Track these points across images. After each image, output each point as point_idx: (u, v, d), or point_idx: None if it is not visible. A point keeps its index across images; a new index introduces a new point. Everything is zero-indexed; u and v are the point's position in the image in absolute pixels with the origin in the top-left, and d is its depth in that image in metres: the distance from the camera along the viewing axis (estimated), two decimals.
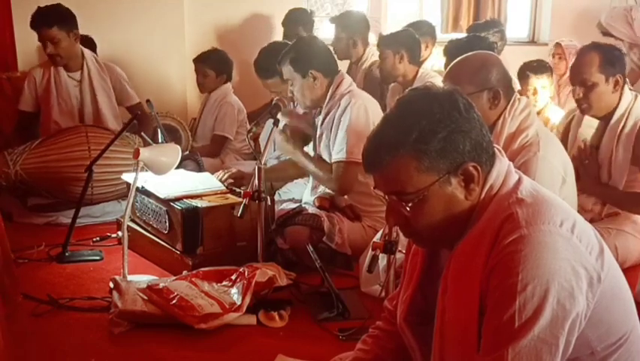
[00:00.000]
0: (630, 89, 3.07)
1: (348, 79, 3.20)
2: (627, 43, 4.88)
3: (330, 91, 3.14)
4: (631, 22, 5.58)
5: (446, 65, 3.21)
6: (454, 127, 1.38)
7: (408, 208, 1.42)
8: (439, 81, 3.99)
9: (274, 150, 4.10)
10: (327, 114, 3.13)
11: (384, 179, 1.45)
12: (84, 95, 4.13)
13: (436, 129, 1.38)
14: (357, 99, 3.10)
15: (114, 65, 4.30)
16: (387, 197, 1.48)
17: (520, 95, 4.25)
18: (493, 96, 2.45)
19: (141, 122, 4.04)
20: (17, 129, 4.15)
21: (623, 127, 2.98)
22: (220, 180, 3.33)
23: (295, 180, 3.66)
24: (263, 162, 2.84)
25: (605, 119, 3.02)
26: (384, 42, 4.29)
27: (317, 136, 3.33)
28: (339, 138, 3.07)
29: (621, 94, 2.98)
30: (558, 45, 5.21)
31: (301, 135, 3.26)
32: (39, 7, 3.95)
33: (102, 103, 4.14)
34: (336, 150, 3.11)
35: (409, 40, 4.27)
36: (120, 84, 4.25)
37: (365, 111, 3.07)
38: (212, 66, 4.60)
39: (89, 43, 4.71)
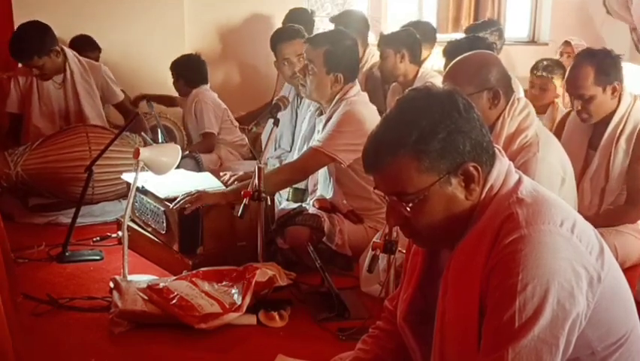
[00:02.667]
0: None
1: (356, 87, 3.18)
2: (630, 25, 4.85)
3: (339, 95, 3.12)
4: (629, 5, 5.56)
5: (445, 66, 3.20)
6: (454, 127, 1.38)
7: (408, 209, 1.42)
8: (439, 81, 4.00)
9: (274, 150, 4.11)
10: (330, 118, 3.12)
11: (385, 179, 1.44)
12: (67, 97, 4.13)
13: (436, 130, 1.37)
14: (357, 105, 3.09)
15: (99, 64, 4.30)
16: (387, 197, 1.47)
17: (531, 86, 4.26)
18: (493, 96, 2.45)
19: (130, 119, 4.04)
20: (10, 132, 4.17)
21: (623, 130, 2.97)
22: (223, 182, 3.32)
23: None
24: (263, 162, 2.83)
25: (604, 121, 3.01)
26: (386, 41, 4.30)
27: (301, 136, 3.37)
28: (324, 132, 3.07)
29: (620, 97, 2.98)
30: (567, 43, 5.19)
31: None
32: (16, 33, 3.90)
33: (85, 104, 4.14)
34: (315, 139, 3.12)
35: (410, 40, 4.27)
36: (106, 83, 4.24)
37: (359, 118, 3.03)
38: (173, 70, 4.62)
39: (90, 44, 4.72)
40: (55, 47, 3.99)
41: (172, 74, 4.63)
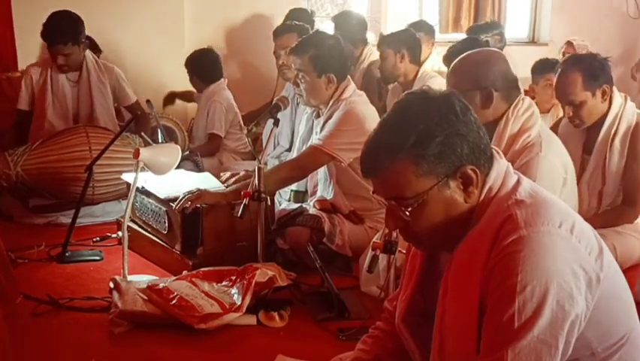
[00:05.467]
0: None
1: (352, 86, 3.19)
2: None
3: (336, 96, 3.13)
4: None
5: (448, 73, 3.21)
6: (451, 130, 1.38)
7: (407, 213, 1.42)
8: (439, 81, 4.00)
9: (273, 148, 4.11)
10: (328, 118, 3.13)
11: (383, 184, 1.45)
12: (80, 96, 4.12)
13: (434, 133, 1.38)
14: (358, 104, 3.10)
15: (113, 65, 4.30)
16: (386, 201, 1.47)
17: (533, 87, 4.26)
18: (487, 97, 2.44)
19: (139, 121, 4.05)
20: (14, 128, 4.15)
21: (616, 131, 2.97)
22: (222, 182, 3.32)
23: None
24: (263, 162, 2.83)
25: (596, 125, 3.01)
26: (386, 41, 4.30)
27: (300, 138, 3.38)
28: (325, 130, 3.08)
29: (611, 100, 2.98)
30: (570, 44, 5.20)
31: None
32: (52, 18, 3.89)
33: (98, 105, 4.13)
34: (316, 137, 3.12)
35: (410, 40, 4.27)
36: (119, 84, 4.25)
37: (360, 117, 3.04)
38: (187, 66, 4.63)
39: (91, 44, 4.72)
40: (86, 40, 4.03)
41: (187, 71, 4.63)
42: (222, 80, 4.63)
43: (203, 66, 4.58)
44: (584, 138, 3.10)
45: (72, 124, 4.10)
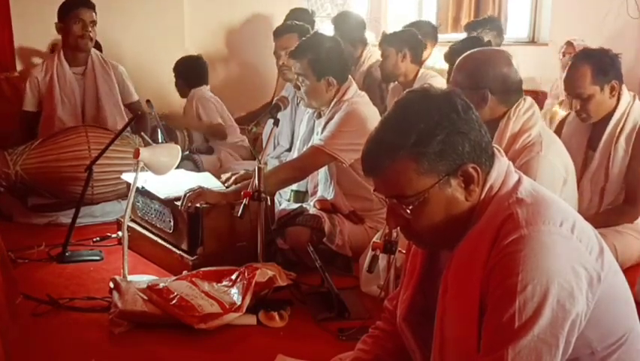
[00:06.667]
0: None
1: (354, 87, 3.19)
2: None
3: (337, 97, 3.13)
4: None
5: (449, 72, 3.22)
6: (452, 129, 1.38)
7: (408, 211, 1.42)
8: (439, 81, 4.00)
9: (273, 149, 4.11)
10: (330, 119, 3.13)
11: (384, 182, 1.45)
12: (86, 89, 4.13)
13: (435, 132, 1.37)
14: (360, 105, 3.10)
15: (117, 63, 4.32)
16: (387, 200, 1.47)
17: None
18: (481, 97, 2.43)
19: (139, 121, 4.06)
20: (23, 130, 4.14)
21: (622, 128, 2.97)
22: (222, 182, 3.32)
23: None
24: (263, 162, 2.83)
25: (603, 121, 3.01)
26: (388, 40, 4.30)
27: (300, 139, 3.38)
28: (326, 131, 3.08)
29: (619, 97, 2.98)
30: (570, 44, 5.22)
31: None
32: None
33: (104, 97, 4.14)
34: (317, 138, 3.12)
35: (412, 40, 4.27)
36: (122, 81, 4.27)
37: (362, 118, 3.04)
38: (175, 71, 4.69)
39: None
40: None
41: (174, 75, 4.68)
42: (205, 85, 4.67)
43: (190, 71, 4.64)
44: (589, 134, 3.10)
45: (81, 119, 4.11)
